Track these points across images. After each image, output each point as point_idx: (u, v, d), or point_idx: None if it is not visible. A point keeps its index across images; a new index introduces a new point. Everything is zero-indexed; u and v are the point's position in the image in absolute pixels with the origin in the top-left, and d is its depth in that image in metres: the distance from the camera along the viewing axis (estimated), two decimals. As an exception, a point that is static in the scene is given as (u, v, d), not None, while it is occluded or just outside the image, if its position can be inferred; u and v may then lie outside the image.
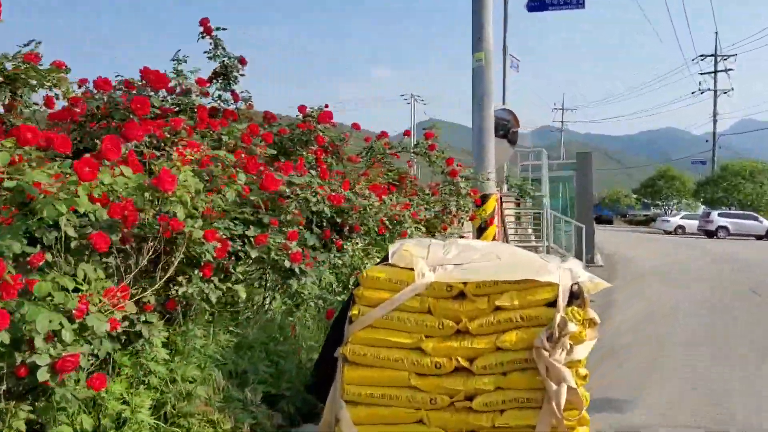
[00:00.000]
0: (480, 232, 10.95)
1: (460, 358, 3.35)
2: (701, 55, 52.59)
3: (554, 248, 17.83)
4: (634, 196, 70.16)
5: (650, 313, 10.44)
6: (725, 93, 51.93)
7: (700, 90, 52.57)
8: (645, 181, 63.21)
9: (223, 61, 6.09)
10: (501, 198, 13.92)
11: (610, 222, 70.48)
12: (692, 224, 43.58)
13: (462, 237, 9.78)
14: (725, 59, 51.76)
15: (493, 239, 11.06)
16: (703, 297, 12.22)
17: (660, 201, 60.99)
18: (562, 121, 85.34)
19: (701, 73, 52.86)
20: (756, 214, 40.63)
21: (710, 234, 39.75)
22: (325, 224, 5.72)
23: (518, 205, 18.25)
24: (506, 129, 13.09)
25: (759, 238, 38.67)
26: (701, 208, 54.25)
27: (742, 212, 41.59)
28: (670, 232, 44.08)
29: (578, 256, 18.27)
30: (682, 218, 45.48)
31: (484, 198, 10.92)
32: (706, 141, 53.21)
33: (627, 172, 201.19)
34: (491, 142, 11.05)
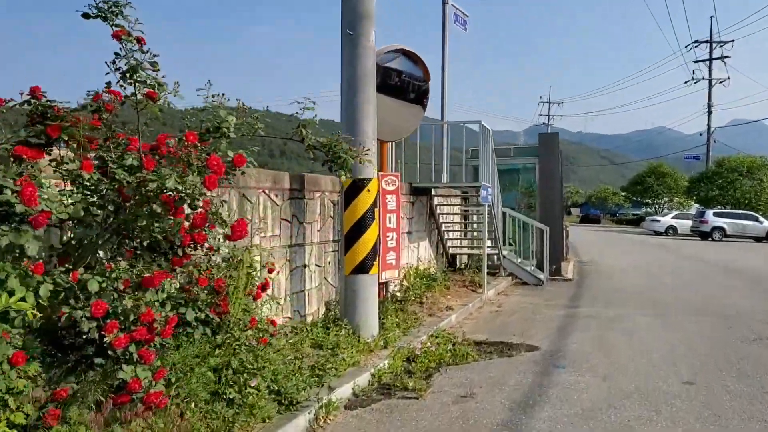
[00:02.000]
0: (350, 240, 6.80)
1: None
2: (695, 41, 48.65)
3: (508, 258, 13.70)
4: (623, 194, 66.17)
5: (612, 407, 6.31)
6: (721, 83, 48.00)
7: (693, 79, 48.63)
8: (634, 178, 59.26)
9: None
10: (400, 188, 9.76)
11: (597, 221, 66.67)
12: (685, 225, 39.64)
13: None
14: (721, 46, 47.81)
15: (374, 249, 6.92)
16: (709, 348, 8.09)
17: (650, 199, 57.01)
18: (548, 115, 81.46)
19: (695, 61, 48.89)
20: (756, 214, 36.68)
21: (704, 235, 35.85)
22: None
23: (466, 201, 14.14)
24: (418, 90, 8.92)
25: (758, 240, 34.79)
26: (694, 207, 50.40)
27: (740, 212, 37.64)
28: (660, 233, 40.12)
29: (540, 266, 14.17)
30: (673, 218, 41.50)
31: (356, 187, 6.78)
32: (700, 134, 49.24)
33: (619, 171, 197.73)
34: (369, 96, 6.88)
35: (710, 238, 35.31)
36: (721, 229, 35.63)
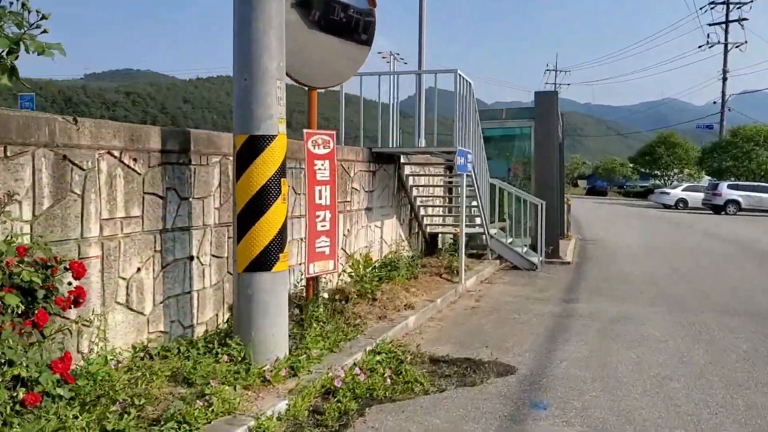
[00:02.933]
0: (244, 223, 4.76)
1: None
2: (711, 2, 45.68)
3: (496, 238, 11.67)
4: (631, 165, 63.71)
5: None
6: (737, 47, 45.21)
7: (708, 43, 45.82)
8: (643, 148, 56.73)
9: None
10: (336, 153, 7.71)
11: (604, 193, 64.36)
12: (696, 197, 37.46)
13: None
14: (739, 7, 44.92)
15: (280, 236, 4.87)
16: (751, 372, 6.10)
17: (659, 171, 54.52)
18: (555, 83, 78.66)
19: (711, 24, 46.00)
20: (773, 186, 34.39)
21: (718, 209, 33.70)
22: None
23: (450, 171, 12.06)
24: (366, 27, 6.77)
25: (775, 214, 32.66)
26: (705, 179, 48.07)
27: (756, 184, 35.35)
28: (670, 207, 37.97)
29: (535, 247, 12.15)
30: (684, 190, 39.25)
31: (252, 146, 4.73)
32: (714, 102, 46.60)
33: (626, 142, 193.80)
34: (271, 19, 4.77)
35: (724, 212, 33.18)
36: (735, 202, 33.47)
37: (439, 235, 12.29)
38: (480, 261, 11.42)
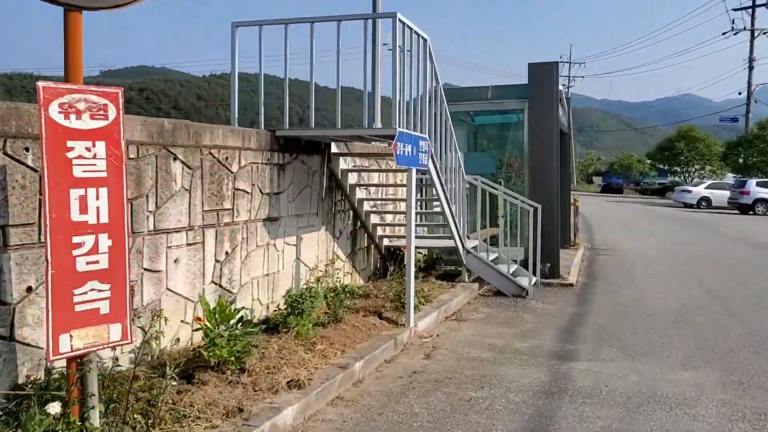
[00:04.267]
0: None
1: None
2: (737, -15, 42.25)
3: (474, 254, 8.84)
4: (648, 161, 60.20)
5: None
6: (765, 33, 41.76)
7: (733, 29, 42.39)
8: (662, 143, 53.27)
9: None
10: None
11: (619, 191, 60.94)
12: (720, 196, 34.28)
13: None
14: (766, -10, 41.40)
15: None
16: None
17: (679, 167, 51.09)
18: (568, 76, 75.27)
19: (736, 9, 42.56)
20: (808, 184, 31.15)
21: (745, 209, 30.56)
22: None
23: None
24: None
25: (809, 214, 29.44)
26: (728, 176, 44.70)
27: (788, 181, 32.09)
28: (691, 206, 34.79)
29: (528, 263, 9.31)
30: (707, 188, 35.96)
31: None
32: (739, 93, 43.18)
33: (642, 139, 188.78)
34: None
35: (752, 212, 30.04)
36: (765, 201, 30.30)
37: (402, 251, 9.50)
38: (453, 285, 8.60)
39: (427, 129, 6.82)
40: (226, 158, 5.43)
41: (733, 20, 43.72)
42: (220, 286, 5.39)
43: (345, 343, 5.52)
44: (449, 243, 8.50)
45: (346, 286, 7.33)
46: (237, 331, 4.48)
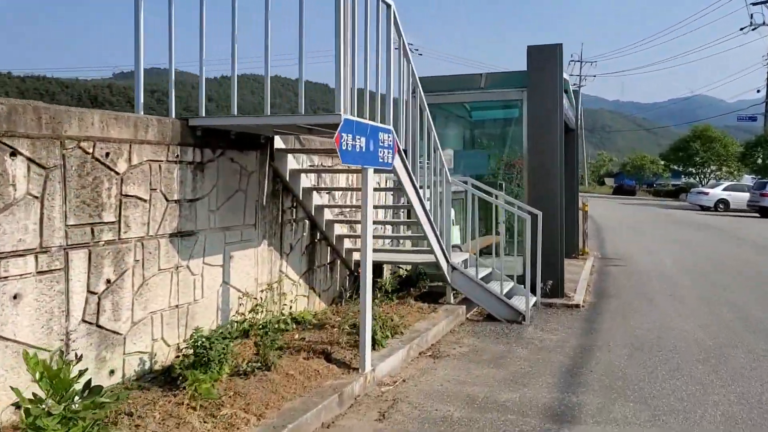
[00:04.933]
0: None
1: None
2: (755, -22, 40.46)
3: (460, 270, 7.42)
4: (662, 162, 58.33)
5: None
6: (785, 28, 39.97)
7: (752, 24, 40.65)
8: (676, 143, 51.46)
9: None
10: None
11: (632, 193, 59.12)
12: (738, 198, 32.64)
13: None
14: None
15: None
16: None
17: (694, 168, 49.25)
18: (579, 75, 73.57)
19: (755, 3, 40.78)
20: (833, 186, 29.44)
21: (766, 212, 28.87)
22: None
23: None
24: None
25: (835, 218, 27.71)
26: (746, 177, 42.89)
27: (812, 183, 30.38)
28: (708, 208, 33.14)
29: (522, 279, 7.88)
30: (724, 190, 34.25)
31: None
32: (758, 91, 41.44)
33: (656, 140, 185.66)
34: None
35: (774, 216, 28.38)
36: (788, 204, 28.64)
37: (385, 266, 8.13)
38: (435, 308, 7.18)
39: (391, 118, 5.41)
40: (107, 154, 4.04)
41: (751, 15, 41.98)
42: (99, 326, 4.00)
43: (268, 401, 4.12)
44: (429, 258, 7.07)
45: (296, 315, 5.93)
46: (79, 406, 3.07)
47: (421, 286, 8.33)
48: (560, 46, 8.39)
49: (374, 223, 7.27)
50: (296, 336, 5.57)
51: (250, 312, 5.27)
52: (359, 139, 4.64)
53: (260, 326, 4.92)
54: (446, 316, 6.88)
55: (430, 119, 6.48)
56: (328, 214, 6.78)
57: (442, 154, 7.03)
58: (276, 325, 5.20)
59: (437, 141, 6.78)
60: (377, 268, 7.96)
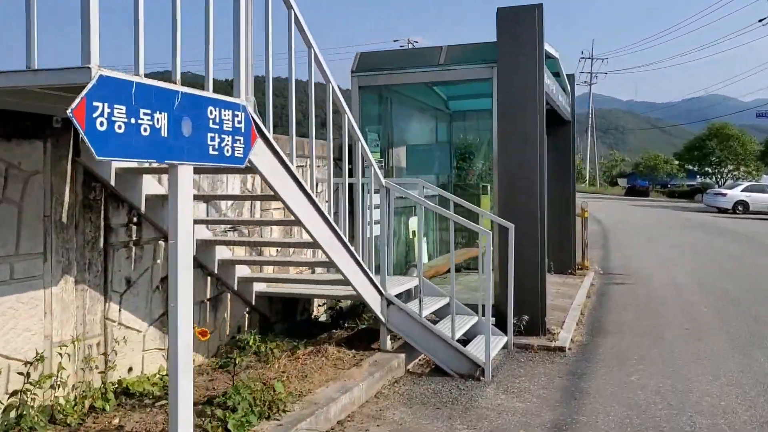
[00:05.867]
0: None
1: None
2: (775, -36, 38.05)
3: (398, 305, 5.44)
4: (676, 162, 55.83)
5: None
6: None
7: (771, 15, 38.22)
8: (691, 142, 49.02)
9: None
10: None
11: (645, 194, 56.60)
12: (759, 199, 30.48)
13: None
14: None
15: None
16: None
17: (710, 168, 46.81)
18: (590, 72, 71.23)
19: (774, -8, 38.35)
20: None
21: (790, 215, 26.68)
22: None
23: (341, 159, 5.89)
24: None
25: None
26: (765, 178, 40.56)
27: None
28: (726, 210, 30.86)
29: (502, 312, 5.91)
30: (743, 190, 31.92)
31: None
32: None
33: (669, 140, 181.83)
34: None
35: (799, 219, 26.13)
36: (814, 206, 26.41)
37: (315, 301, 6.21)
38: (360, 360, 5.22)
39: (247, 88, 3.46)
40: None
41: (771, 5, 39.52)
42: None
43: None
44: (348, 291, 5.12)
45: (132, 382, 4.01)
46: None
47: (363, 320, 6.42)
48: (539, 7, 6.39)
49: (261, 244, 5.34)
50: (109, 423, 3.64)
51: (25, 390, 3.35)
52: (151, 115, 2.69)
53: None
54: (372, 373, 4.90)
55: (337, 91, 4.51)
56: (203, 233, 4.85)
57: (366, 147, 5.06)
58: (75, 408, 3.27)
59: (353, 124, 4.81)
60: (290, 302, 6.02)
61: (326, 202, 4.77)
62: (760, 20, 40.28)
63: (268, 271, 5.84)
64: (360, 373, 4.89)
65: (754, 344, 6.39)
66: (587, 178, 71.68)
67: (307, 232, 4.21)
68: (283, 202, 3.87)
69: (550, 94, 7.75)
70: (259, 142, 3.55)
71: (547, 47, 7.54)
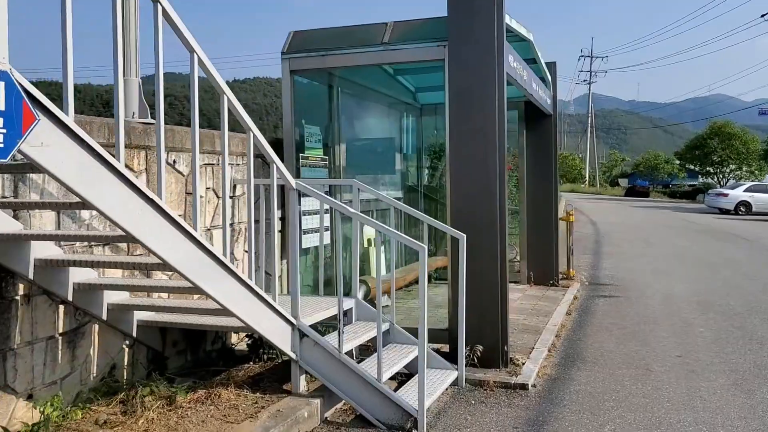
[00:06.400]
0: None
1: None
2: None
3: (313, 339, 4.34)
4: (677, 161, 54.63)
5: None
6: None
7: (774, 9, 37.10)
8: (692, 141, 47.83)
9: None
10: None
11: (645, 194, 55.38)
12: (762, 199, 29.49)
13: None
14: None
15: None
16: None
17: (711, 167, 45.63)
18: (590, 71, 70.13)
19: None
20: None
21: (795, 216, 25.55)
22: None
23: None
24: None
25: None
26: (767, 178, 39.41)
27: None
28: (728, 211, 29.77)
29: (453, 339, 4.78)
30: (747, 191, 30.80)
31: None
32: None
33: (672, 140, 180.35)
34: None
35: (805, 220, 25.01)
36: (820, 207, 25.29)
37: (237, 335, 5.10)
38: (261, 408, 4.12)
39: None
40: None
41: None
42: None
43: None
44: (233, 321, 4.03)
45: None
46: None
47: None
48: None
49: (104, 265, 4.25)
50: None
51: None
52: None
53: None
54: (267, 429, 3.80)
55: (203, 56, 3.42)
56: (48, 251, 3.75)
57: (261, 138, 3.96)
58: None
59: (240, 110, 3.71)
60: (195, 332, 4.91)
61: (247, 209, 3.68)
62: (763, 15, 39.18)
63: (162, 296, 4.74)
64: (251, 429, 3.79)
65: (759, 378, 5.28)
66: (587, 178, 70.52)
67: (148, 249, 3.10)
68: (99, 210, 2.77)
69: (521, 81, 6.66)
70: (48, 127, 2.46)
71: (515, 25, 6.48)
